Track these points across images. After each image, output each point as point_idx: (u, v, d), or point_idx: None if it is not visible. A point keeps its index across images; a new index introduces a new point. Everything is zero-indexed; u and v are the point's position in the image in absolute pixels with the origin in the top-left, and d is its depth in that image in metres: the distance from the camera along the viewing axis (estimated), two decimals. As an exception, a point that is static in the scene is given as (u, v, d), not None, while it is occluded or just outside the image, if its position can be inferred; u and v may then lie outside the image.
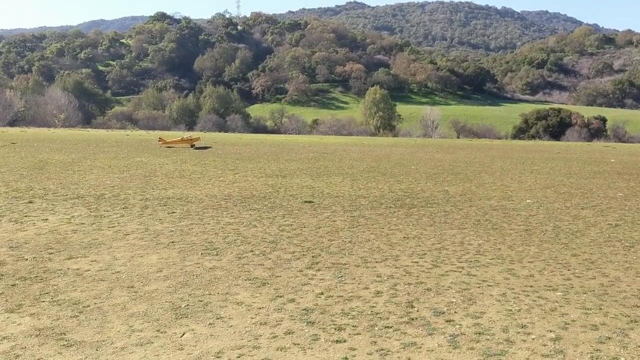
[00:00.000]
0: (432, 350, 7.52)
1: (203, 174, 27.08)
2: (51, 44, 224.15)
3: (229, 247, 12.85)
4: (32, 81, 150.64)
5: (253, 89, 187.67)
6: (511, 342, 7.79)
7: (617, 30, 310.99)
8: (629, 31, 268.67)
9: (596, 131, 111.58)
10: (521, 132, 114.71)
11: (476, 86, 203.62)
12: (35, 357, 7.11)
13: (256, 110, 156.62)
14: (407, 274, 10.98)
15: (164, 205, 18.04)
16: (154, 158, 35.61)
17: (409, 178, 27.68)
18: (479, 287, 10.23)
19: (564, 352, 7.48)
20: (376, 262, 11.85)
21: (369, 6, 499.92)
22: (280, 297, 9.51)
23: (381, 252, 12.73)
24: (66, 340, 7.59)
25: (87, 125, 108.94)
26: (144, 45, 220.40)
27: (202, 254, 12.18)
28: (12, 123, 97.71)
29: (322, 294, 9.71)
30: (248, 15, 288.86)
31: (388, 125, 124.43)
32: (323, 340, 7.77)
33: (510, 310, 9.06)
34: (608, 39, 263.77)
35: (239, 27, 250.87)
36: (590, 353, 7.49)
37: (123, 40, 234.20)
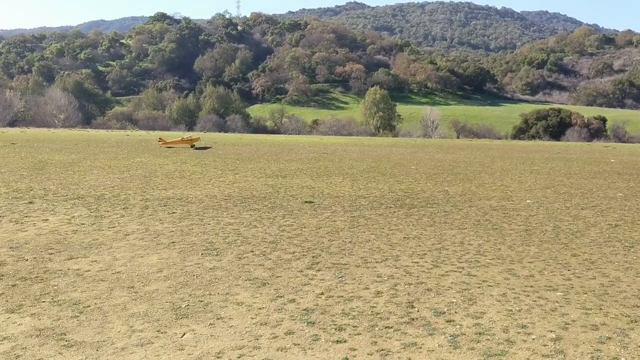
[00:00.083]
0: (433, 350, 7.52)
1: (203, 175, 27.08)
2: (51, 44, 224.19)
3: (229, 247, 12.86)
4: (32, 81, 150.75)
5: (253, 89, 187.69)
6: (511, 342, 7.79)
7: (617, 31, 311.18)
8: (629, 31, 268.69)
9: (596, 131, 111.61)
10: (521, 132, 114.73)
11: (476, 86, 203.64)
12: (35, 358, 7.11)
13: (256, 111, 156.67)
14: (408, 274, 10.98)
15: (164, 206, 18.05)
16: (154, 158, 35.61)
17: (409, 178, 27.68)
18: (479, 287, 10.23)
19: (564, 352, 7.48)
20: (376, 262, 11.86)
21: (369, 6, 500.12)
22: (281, 297, 9.51)
23: (381, 252, 12.73)
24: (66, 341, 7.60)
25: (87, 125, 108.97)
26: (144, 45, 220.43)
27: (202, 254, 12.18)
28: (12, 123, 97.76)
29: (322, 294, 9.71)
30: (248, 15, 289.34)
31: (388, 125, 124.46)
32: (323, 340, 7.77)
33: (511, 310, 9.06)
34: (608, 39, 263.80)
35: (239, 28, 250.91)
36: (591, 353, 7.49)
37: (123, 41, 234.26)
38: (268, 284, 10.22)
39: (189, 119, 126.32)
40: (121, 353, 7.28)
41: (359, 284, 10.33)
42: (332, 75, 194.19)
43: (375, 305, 9.19)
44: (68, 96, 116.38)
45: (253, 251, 12.53)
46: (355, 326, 8.26)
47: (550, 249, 13.36)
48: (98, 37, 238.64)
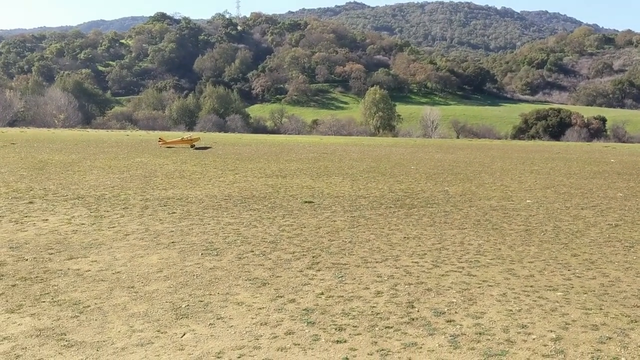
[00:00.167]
0: (433, 350, 7.52)
1: (203, 175, 27.08)
2: (51, 44, 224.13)
3: (229, 247, 12.85)
4: (31, 81, 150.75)
5: (253, 89, 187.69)
6: (512, 342, 7.79)
7: (617, 31, 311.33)
8: (629, 31, 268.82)
9: (596, 131, 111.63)
10: (521, 132, 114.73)
11: (476, 86, 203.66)
12: (35, 358, 7.11)
13: (256, 111, 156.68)
14: (408, 274, 10.98)
15: (164, 206, 18.05)
16: (154, 158, 35.61)
17: (409, 178, 27.68)
18: (479, 287, 10.23)
19: (564, 352, 7.48)
20: (376, 262, 11.86)
21: (368, 6, 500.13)
22: (281, 297, 9.51)
23: (381, 252, 12.73)
24: (67, 341, 7.59)
25: (87, 125, 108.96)
26: (143, 45, 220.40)
27: (202, 254, 12.18)
28: (11, 123, 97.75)
29: (322, 294, 9.71)
30: (248, 15, 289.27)
31: (388, 125, 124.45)
32: (324, 340, 7.77)
33: (511, 310, 9.06)
34: (608, 39, 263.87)
35: (238, 28, 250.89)
36: (591, 353, 7.49)
37: (123, 41, 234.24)
38: (268, 284, 10.22)
39: (188, 119, 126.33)
40: (121, 353, 7.28)
41: (359, 284, 10.33)
42: (332, 75, 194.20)
43: (375, 305, 9.19)
44: (68, 96, 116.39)
45: (253, 251, 12.52)
46: (356, 326, 8.26)
47: (550, 249, 13.36)
48: (98, 37, 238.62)
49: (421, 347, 7.59)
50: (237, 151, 44.21)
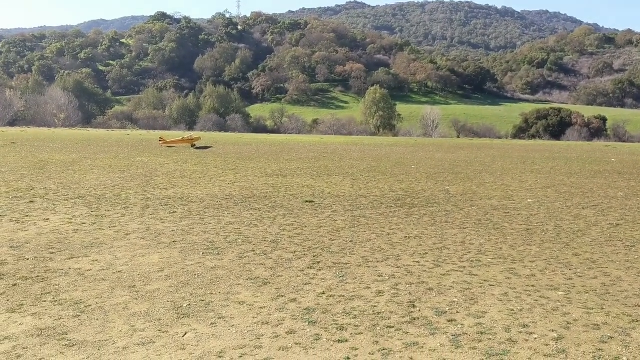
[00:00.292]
0: (434, 350, 7.51)
1: (204, 174, 27.08)
2: (51, 43, 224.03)
3: (230, 246, 12.85)
4: (32, 81, 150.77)
5: (253, 88, 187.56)
6: (513, 341, 7.78)
7: (617, 30, 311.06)
8: (629, 31, 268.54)
9: (596, 131, 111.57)
10: (521, 132, 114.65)
11: (476, 86, 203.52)
12: (37, 357, 7.10)
13: (256, 110, 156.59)
14: (409, 274, 10.97)
15: (165, 205, 18.04)
16: (155, 158, 35.61)
17: (409, 178, 27.67)
18: (480, 287, 10.23)
19: (566, 352, 7.48)
20: (377, 261, 11.85)
21: (369, 6, 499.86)
22: (282, 296, 9.50)
23: (382, 251, 12.72)
24: (68, 340, 7.59)
25: (87, 125, 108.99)
26: (144, 45, 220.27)
27: (203, 253, 12.18)
28: (12, 123, 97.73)
29: (323, 293, 9.71)
30: (248, 15, 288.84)
31: (388, 124, 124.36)
32: (325, 340, 7.76)
33: (512, 309, 9.05)
34: (608, 39, 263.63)
35: (239, 27, 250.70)
36: (593, 353, 7.48)
37: (123, 40, 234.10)
38: (269, 283, 10.22)
39: (189, 119, 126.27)
40: (123, 352, 7.27)
41: (360, 283, 10.32)
42: (332, 75, 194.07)
43: (376, 304, 9.19)
44: (68, 96, 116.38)
45: (254, 250, 12.52)
46: (357, 326, 8.25)
47: (552, 249, 13.35)
48: (98, 36, 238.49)
49: (422, 347, 7.58)
50: (238, 151, 44.21)
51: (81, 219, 15.59)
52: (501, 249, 13.26)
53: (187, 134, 57.83)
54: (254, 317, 8.53)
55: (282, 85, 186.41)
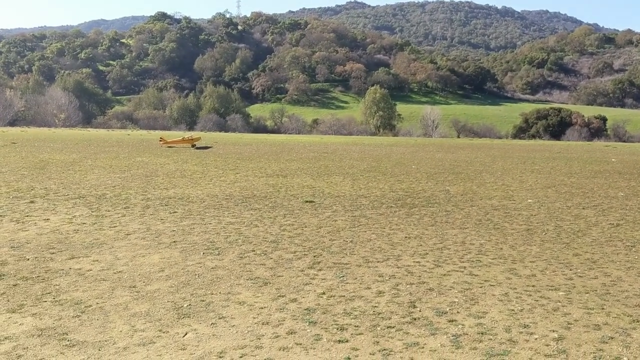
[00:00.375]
0: (435, 350, 7.51)
1: (204, 174, 27.08)
2: (51, 43, 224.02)
3: (230, 246, 12.85)
4: (32, 81, 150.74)
5: (253, 88, 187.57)
6: (514, 342, 7.78)
7: (617, 30, 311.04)
8: (629, 31, 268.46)
9: (596, 131, 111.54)
10: (521, 132, 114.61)
11: (476, 86, 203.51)
12: (37, 357, 7.11)
13: (256, 110, 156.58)
14: (409, 274, 10.97)
15: (166, 205, 18.04)
16: (155, 158, 35.61)
17: (409, 178, 27.67)
18: (481, 287, 10.23)
19: (566, 352, 7.48)
20: (378, 261, 11.85)
21: (369, 6, 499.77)
22: (282, 296, 9.50)
23: (383, 251, 12.72)
24: (68, 340, 7.59)
25: (87, 125, 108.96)
26: (144, 45, 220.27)
27: (203, 253, 12.18)
28: (12, 123, 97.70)
29: (323, 293, 9.71)
30: (248, 15, 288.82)
31: (388, 124, 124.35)
32: (325, 340, 7.76)
33: (513, 310, 9.05)
34: (608, 39, 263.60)
35: (239, 27, 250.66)
36: (593, 353, 7.48)
37: (123, 40, 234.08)
38: (269, 283, 10.22)
39: (189, 119, 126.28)
40: (123, 353, 7.27)
41: (360, 283, 10.32)
42: (332, 75, 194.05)
43: (377, 305, 9.19)
44: (68, 96, 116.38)
45: (254, 250, 12.52)
46: (357, 326, 8.25)
47: (552, 249, 13.35)
48: (98, 36, 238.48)
49: (423, 347, 7.58)
50: (238, 151, 44.21)
51: (81, 219, 15.59)
52: (501, 249, 13.26)
53: (188, 134, 57.83)
54: (254, 317, 8.53)
55: (282, 85, 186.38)
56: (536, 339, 7.89)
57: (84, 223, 15.03)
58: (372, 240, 13.81)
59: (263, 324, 8.29)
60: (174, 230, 14.39)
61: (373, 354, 7.34)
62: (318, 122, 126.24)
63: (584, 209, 19.48)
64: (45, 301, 9.07)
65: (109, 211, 16.81)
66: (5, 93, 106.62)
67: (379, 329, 8.16)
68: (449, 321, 8.51)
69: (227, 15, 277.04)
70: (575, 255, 12.80)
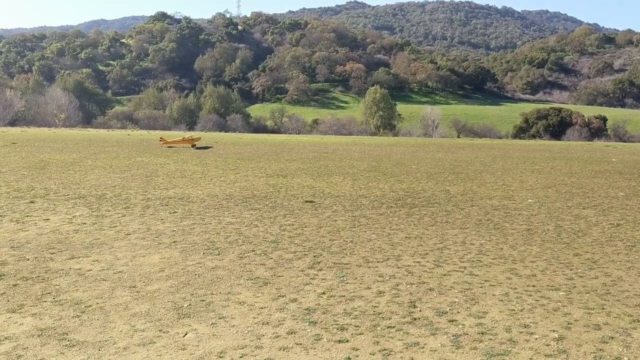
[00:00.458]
0: (435, 350, 7.51)
1: (204, 174, 27.08)
2: (51, 43, 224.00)
3: (230, 246, 12.85)
4: (32, 81, 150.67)
5: (253, 88, 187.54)
6: (514, 342, 7.78)
7: (617, 30, 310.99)
8: (629, 31, 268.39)
9: (597, 130, 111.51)
10: (522, 132, 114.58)
11: (476, 85, 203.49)
12: (37, 358, 7.10)
13: (256, 110, 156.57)
14: (409, 274, 10.97)
15: (166, 205, 18.04)
16: (155, 158, 35.61)
17: (409, 177, 27.66)
18: (481, 287, 10.22)
19: (567, 352, 7.47)
20: (378, 262, 11.84)
21: (369, 6, 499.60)
22: (282, 296, 9.50)
23: (383, 251, 12.72)
24: (68, 341, 7.59)
25: (87, 125, 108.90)
26: (144, 45, 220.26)
27: (204, 253, 12.17)
28: (12, 123, 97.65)
29: (324, 293, 9.70)
30: (248, 15, 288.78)
31: (388, 124, 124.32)
32: (325, 340, 7.76)
33: (513, 310, 9.05)
34: (608, 39, 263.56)
35: (239, 27, 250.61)
36: (594, 353, 7.47)
37: (123, 40, 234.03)
38: (270, 283, 10.21)
39: (189, 119, 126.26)
40: (123, 353, 7.27)
41: (360, 283, 10.32)
42: (332, 75, 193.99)
43: (377, 305, 9.18)
44: (68, 96, 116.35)
45: (254, 250, 12.52)
46: (358, 326, 8.25)
47: (552, 249, 13.34)
48: (98, 36, 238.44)
49: (423, 347, 7.58)
50: (238, 151, 44.20)
51: (82, 219, 15.59)
52: (502, 249, 13.25)
53: (188, 134, 57.83)
54: (254, 317, 8.53)
55: (282, 85, 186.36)
56: (536, 338, 7.89)
57: (84, 223, 15.03)
58: (372, 240, 13.81)
59: (263, 324, 8.29)
60: (174, 230, 14.38)
61: (373, 354, 7.34)
62: (318, 122, 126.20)
63: (584, 208, 19.48)
64: (45, 301, 9.07)
65: (109, 211, 16.81)
66: (5, 93, 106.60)
67: (379, 329, 8.16)
68: (449, 321, 8.50)
69: (227, 15, 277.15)
70: (575, 255, 12.79)
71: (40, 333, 7.81)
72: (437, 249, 13.11)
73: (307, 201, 19.52)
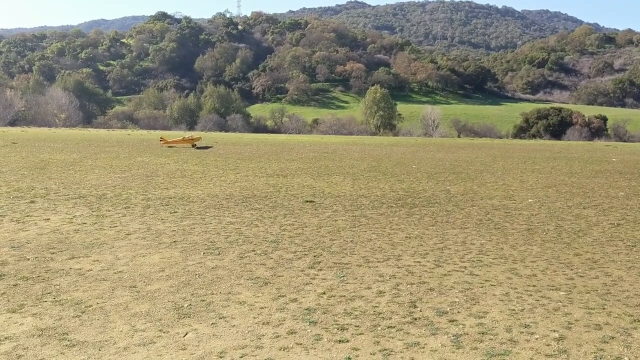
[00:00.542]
0: (436, 350, 7.50)
1: (204, 174, 27.08)
2: (52, 43, 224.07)
3: (231, 246, 12.84)
4: (32, 81, 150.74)
5: (253, 88, 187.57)
6: (515, 342, 7.77)
7: (618, 30, 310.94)
8: (629, 30, 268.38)
9: (597, 130, 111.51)
10: (522, 131, 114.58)
11: (477, 85, 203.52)
12: (37, 358, 7.10)
13: (257, 110, 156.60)
14: (410, 274, 10.96)
15: (166, 205, 18.04)
16: (156, 158, 35.60)
17: (410, 177, 27.65)
18: (481, 287, 10.21)
19: (567, 352, 7.46)
20: (378, 261, 11.84)
21: (369, 5, 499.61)
22: (283, 296, 9.49)
23: (383, 251, 12.71)
24: (68, 341, 7.58)
25: (87, 125, 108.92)
26: (144, 44, 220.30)
27: (204, 253, 12.17)
28: (12, 123, 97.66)
29: (324, 293, 9.70)
30: (248, 14, 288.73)
31: (388, 124, 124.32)
32: (326, 340, 7.76)
33: (514, 309, 9.04)
34: (608, 38, 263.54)
35: (239, 27, 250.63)
36: (594, 353, 7.47)
37: (124, 40, 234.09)
38: (270, 283, 10.21)
39: (189, 119, 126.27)
40: (123, 353, 7.27)
41: (360, 283, 10.31)
42: (333, 75, 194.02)
43: (377, 305, 9.18)
44: (69, 95, 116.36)
45: (255, 250, 12.51)
46: (358, 326, 8.24)
47: (553, 249, 13.34)
48: (99, 36, 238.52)
49: (424, 347, 7.57)
50: (238, 150, 44.20)
51: (82, 219, 15.59)
52: (502, 249, 13.25)
53: (188, 134, 57.83)
54: (254, 317, 8.52)
55: (282, 85, 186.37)
56: (537, 338, 7.88)
57: (84, 223, 15.03)
58: (372, 240, 13.80)
59: (263, 323, 8.29)
60: (174, 230, 14.38)
61: (373, 354, 7.33)
62: (318, 122, 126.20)
63: (584, 208, 19.47)
64: (46, 301, 9.06)
65: (109, 211, 16.81)
66: (5, 93, 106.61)
67: (379, 329, 8.16)
68: (450, 321, 8.50)
69: (228, 15, 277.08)
70: (576, 255, 12.79)
71: (40, 333, 7.81)
72: (438, 248, 13.10)
73: (307, 201, 19.52)
